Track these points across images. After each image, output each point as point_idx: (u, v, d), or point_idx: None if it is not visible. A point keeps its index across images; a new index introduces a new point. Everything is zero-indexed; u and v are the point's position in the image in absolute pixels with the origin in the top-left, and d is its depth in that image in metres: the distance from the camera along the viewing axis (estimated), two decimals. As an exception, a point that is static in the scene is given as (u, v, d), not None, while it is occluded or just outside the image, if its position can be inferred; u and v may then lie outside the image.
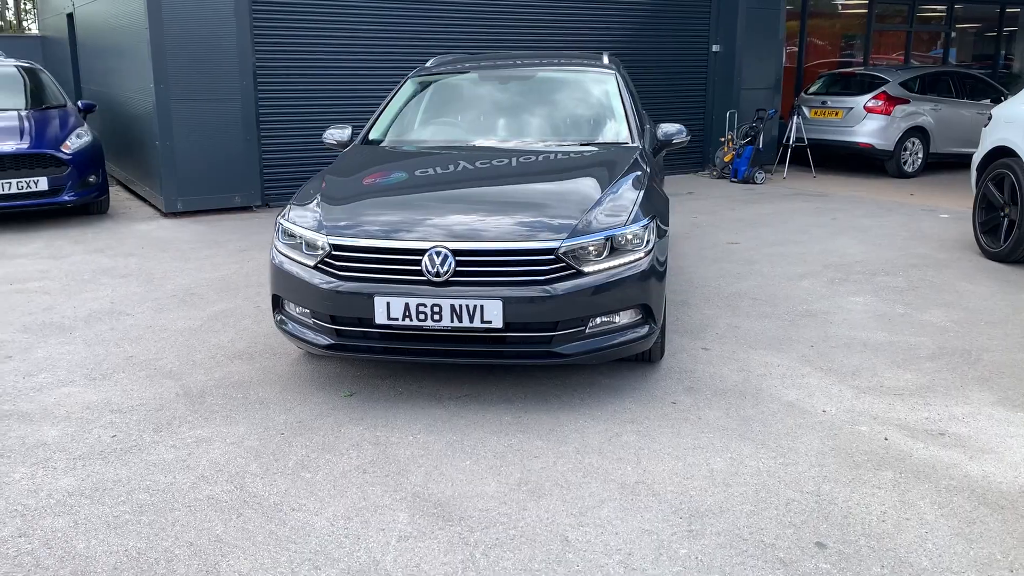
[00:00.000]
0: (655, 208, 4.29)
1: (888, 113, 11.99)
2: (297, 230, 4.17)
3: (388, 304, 3.87)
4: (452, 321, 3.84)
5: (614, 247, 3.98)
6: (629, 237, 4.01)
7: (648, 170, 4.73)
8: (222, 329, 5.27)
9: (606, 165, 4.64)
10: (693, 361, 4.65)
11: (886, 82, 12.24)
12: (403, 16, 9.90)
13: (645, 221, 4.11)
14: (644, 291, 4.04)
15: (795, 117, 12.12)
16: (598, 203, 4.13)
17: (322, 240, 4.04)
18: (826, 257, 7.06)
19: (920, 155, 12.31)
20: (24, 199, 8.14)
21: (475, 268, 3.85)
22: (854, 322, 5.31)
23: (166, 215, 9.04)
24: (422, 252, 3.88)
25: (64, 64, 14.30)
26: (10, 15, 27.65)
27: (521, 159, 4.81)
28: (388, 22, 9.82)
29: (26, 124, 8.50)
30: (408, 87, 5.73)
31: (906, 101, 12.11)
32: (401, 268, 3.91)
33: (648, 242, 4.07)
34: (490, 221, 4.00)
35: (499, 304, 3.80)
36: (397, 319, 3.88)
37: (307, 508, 3.17)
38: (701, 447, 3.64)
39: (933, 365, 4.58)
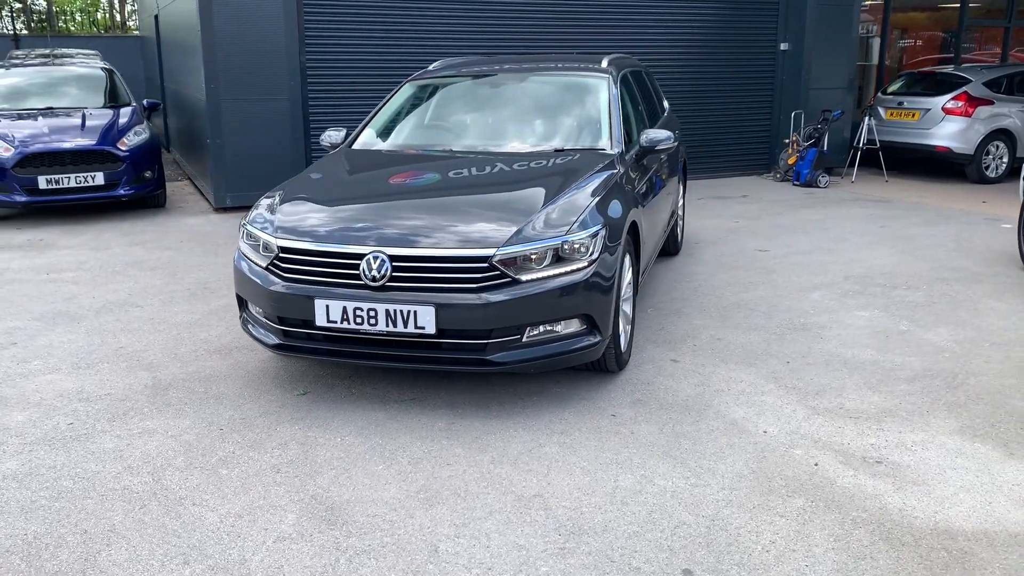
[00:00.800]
0: (613, 217, 4.22)
1: (968, 115, 11.35)
2: (255, 231, 4.30)
3: (328, 307, 3.95)
4: (387, 326, 3.89)
5: (560, 256, 3.94)
6: (576, 246, 3.97)
7: (621, 178, 4.66)
8: (216, 324, 5.47)
9: (567, 173, 4.60)
10: (656, 373, 4.55)
11: (968, 82, 11.59)
12: (453, 15, 9.99)
13: (594, 229, 4.06)
14: (586, 301, 3.99)
15: (867, 119, 11.61)
16: (543, 211, 4.10)
17: (273, 242, 4.16)
18: (851, 268, 6.77)
19: (1005, 159, 11.61)
20: (81, 192, 8.64)
21: (410, 274, 3.89)
22: (845, 338, 5.09)
23: (216, 210, 9.42)
24: (361, 257, 3.94)
25: (154, 63, 15.06)
26: (116, 15, 29.20)
27: (484, 165, 4.81)
28: (437, 20, 9.93)
29: (88, 122, 9.00)
30: (404, 90, 5.81)
31: (990, 102, 11.44)
32: (341, 272, 3.99)
33: (593, 251, 4.02)
34: (431, 228, 4.02)
35: (432, 310, 3.82)
36: (336, 322, 3.96)
37: (207, 504, 3.28)
38: (618, 462, 3.57)
39: (908, 388, 4.35)
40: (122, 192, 8.84)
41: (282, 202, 4.44)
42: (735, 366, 4.65)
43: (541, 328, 3.98)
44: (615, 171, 4.71)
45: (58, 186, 8.53)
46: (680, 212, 7.40)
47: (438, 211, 4.18)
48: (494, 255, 3.86)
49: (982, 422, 3.95)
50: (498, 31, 10.26)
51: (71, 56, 11.59)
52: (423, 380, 4.46)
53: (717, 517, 3.15)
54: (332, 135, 5.63)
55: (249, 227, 4.36)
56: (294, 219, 4.24)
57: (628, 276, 4.62)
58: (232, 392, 4.38)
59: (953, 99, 11.45)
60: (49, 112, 9.23)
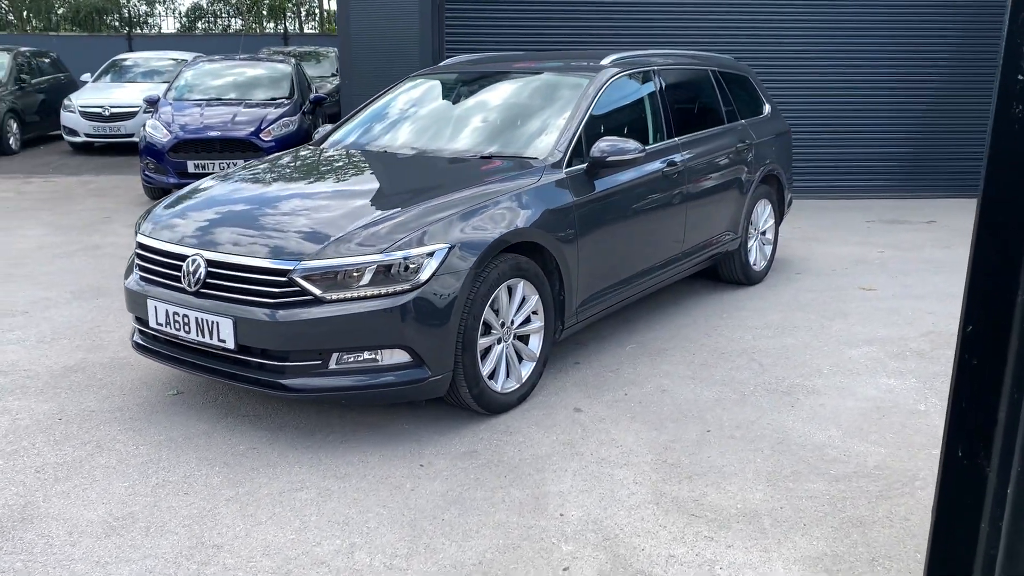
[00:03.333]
0: (480, 235, 3.66)
1: None
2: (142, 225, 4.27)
3: (156, 308, 3.82)
4: (198, 335, 3.67)
5: (389, 274, 3.48)
6: (405, 265, 3.48)
7: (536, 192, 4.04)
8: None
9: (456, 181, 4.07)
10: (530, 421, 3.89)
11: None
12: (597, 12, 9.43)
13: (431, 248, 3.53)
14: (405, 330, 3.49)
15: None
16: (371, 223, 3.64)
17: (136, 238, 4.10)
18: (947, 323, 5.37)
19: None
20: (221, 179, 9.29)
21: (219, 282, 3.64)
22: (824, 413, 4.01)
23: (346, 202, 9.69)
24: (184, 259, 3.75)
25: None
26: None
27: (383, 170, 4.45)
28: (579, 19, 9.43)
29: (243, 114, 9.66)
30: (393, 89, 5.49)
31: None
32: (169, 273, 3.83)
33: (422, 273, 3.49)
34: (254, 234, 3.73)
35: (231, 324, 3.55)
36: (162, 325, 3.81)
37: (-62, 493, 3.28)
38: (345, 523, 3.06)
39: (818, 488, 3.31)
40: (258, 180, 9.37)
41: (174, 200, 4.36)
42: (637, 427, 3.83)
43: (355, 356, 3.53)
44: (529, 182, 4.08)
45: (204, 171, 9.21)
46: (770, 236, 6.35)
47: (274, 217, 3.87)
48: (293, 269, 3.48)
49: (848, 555, 2.88)
50: (648, 25, 9.51)
51: (291, 54, 12.55)
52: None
53: (363, 613, 2.56)
54: (322, 130, 5.50)
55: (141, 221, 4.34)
56: (161, 217, 4.14)
57: (529, 305, 3.99)
58: (117, 382, 4.39)
59: None
60: (215, 102, 10.03)
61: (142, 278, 3.96)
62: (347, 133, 5.18)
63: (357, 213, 3.76)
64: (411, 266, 3.51)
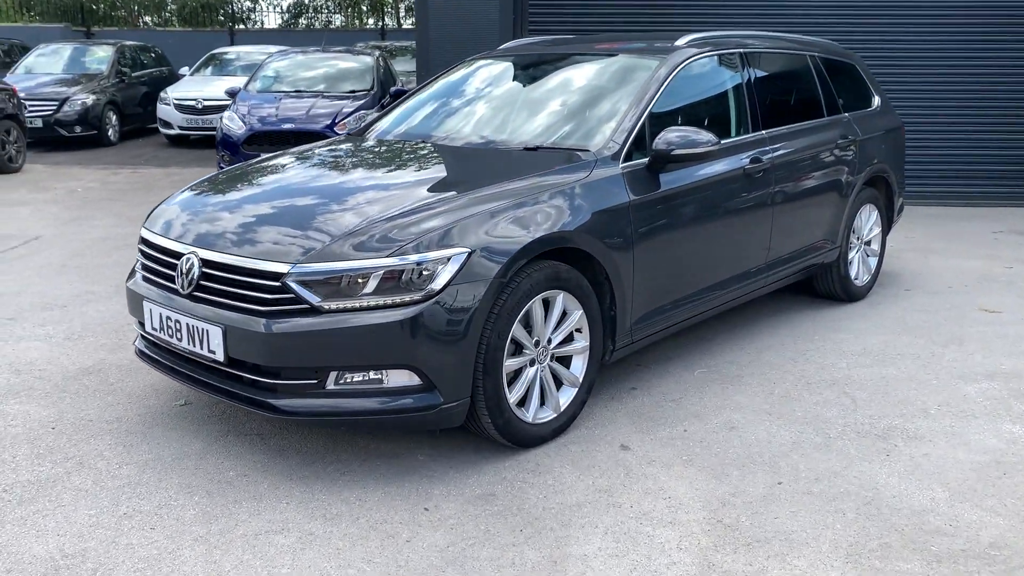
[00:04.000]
0: (509, 239, 3.13)
1: None
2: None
3: (151, 311, 3.42)
4: (190, 344, 3.25)
5: (399, 282, 2.97)
6: (417, 272, 2.96)
7: (583, 187, 3.47)
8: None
9: (480, 176, 3.52)
10: (567, 460, 3.30)
11: None
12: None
13: (446, 253, 3.01)
14: (412, 348, 2.98)
15: None
16: (380, 223, 3.13)
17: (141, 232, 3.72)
18: (1088, 355, 4.50)
19: None
20: (293, 172, 9.02)
21: (212, 284, 3.20)
22: (928, 466, 3.28)
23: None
24: (180, 256, 3.33)
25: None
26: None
27: (413, 164, 3.95)
28: (664, 12, 8.76)
29: (318, 107, 9.38)
30: (445, 75, 4.97)
31: None
32: (165, 272, 3.42)
33: (436, 281, 2.97)
34: (255, 231, 3.27)
35: (220, 333, 3.10)
36: (157, 330, 3.41)
37: None
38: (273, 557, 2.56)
39: (923, 570, 2.61)
40: (331, 174, 9.07)
41: (188, 190, 3.96)
42: (693, 474, 3.20)
43: (357, 376, 3.04)
44: (577, 177, 3.50)
45: (277, 164, 8.97)
46: (876, 246, 5.57)
47: (284, 213, 3.40)
48: (288, 272, 3.00)
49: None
50: (749, 7, 8.73)
51: (385, 48, 12.29)
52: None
53: None
54: (354, 120, 5.06)
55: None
56: (170, 207, 3.74)
57: (571, 321, 3.42)
58: (128, 389, 4.04)
59: None
60: (294, 95, 9.78)
61: (143, 277, 3.57)
62: (390, 121, 4.69)
63: (367, 210, 3.26)
64: (424, 272, 2.98)
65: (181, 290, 3.28)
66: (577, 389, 3.51)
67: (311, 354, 2.99)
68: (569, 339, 3.47)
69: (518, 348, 3.29)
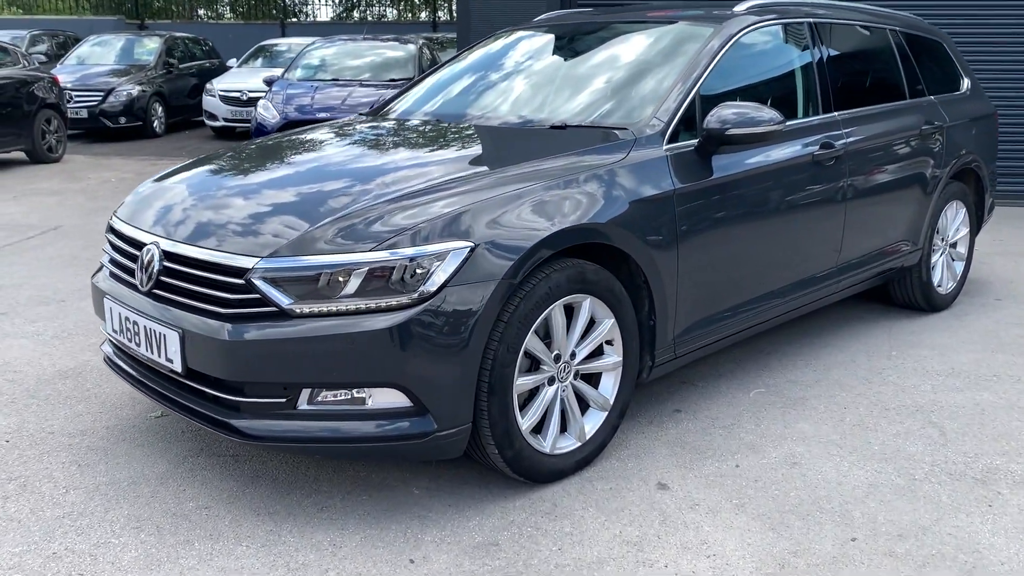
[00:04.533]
0: (525, 231, 2.58)
1: None
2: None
3: (111, 310, 2.95)
4: (147, 350, 2.77)
5: (387, 281, 2.44)
6: (404, 269, 2.43)
7: (615, 172, 2.90)
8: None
9: (495, 158, 2.98)
10: (591, 501, 2.74)
11: None
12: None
13: (442, 247, 2.48)
14: (399, 362, 2.44)
15: None
16: (365, 211, 2.60)
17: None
18: None
19: None
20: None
21: (173, 280, 2.71)
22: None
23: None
24: (143, 246, 2.85)
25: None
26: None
27: (421, 144, 3.44)
28: None
29: (355, 96, 8.95)
30: (474, 49, 4.41)
31: None
32: (128, 266, 2.94)
33: (431, 281, 2.43)
34: (227, 219, 2.77)
35: (177, 339, 2.60)
36: (116, 332, 2.94)
37: None
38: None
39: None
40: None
41: (172, 172, 3.47)
42: (745, 523, 2.60)
43: (335, 395, 2.51)
44: (611, 159, 2.93)
45: (311, 155, 8.56)
46: (963, 249, 4.89)
47: (268, 199, 2.88)
48: (252, 268, 2.49)
49: None
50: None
51: (434, 39, 11.87)
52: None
53: None
54: (388, 95, 4.54)
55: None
56: (146, 191, 3.27)
57: (600, 332, 2.86)
58: (101, 397, 3.58)
59: None
60: (331, 83, 9.37)
61: (110, 272, 3.10)
62: (410, 99, 4.17)
63: (358, 195, 2.73)
64: (419, 271, 2.45)
65: (140, 286, 2.80)
66: (607, 413, 2.94)
67: (279, 367, 2.48)
68: (598, 353, 2.91)
69: (534, 364, 2.73)
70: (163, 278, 2.72)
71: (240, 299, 2.51)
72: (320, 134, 3.76)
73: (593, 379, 2.93)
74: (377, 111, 4.20)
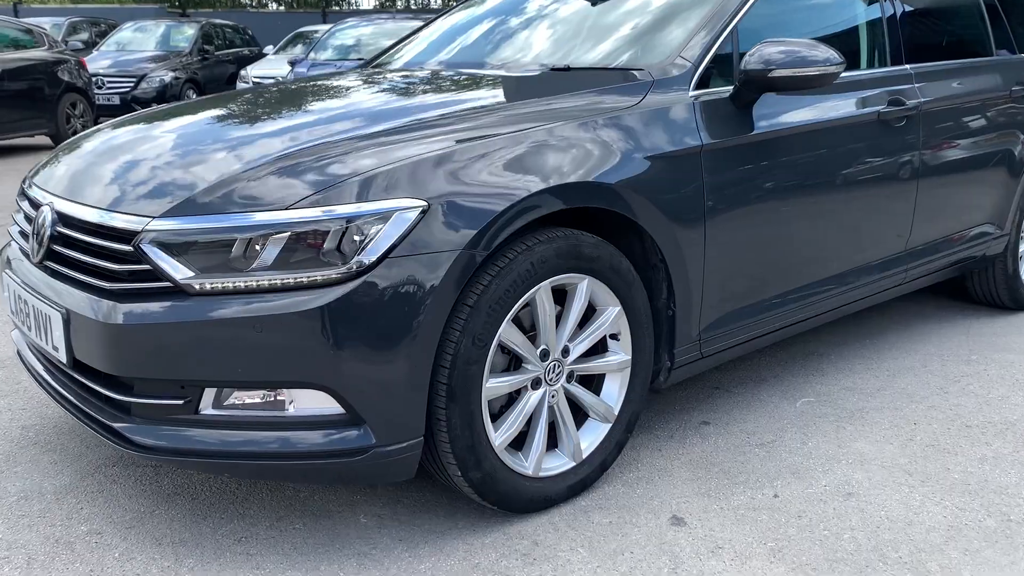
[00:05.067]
0: (505, 192, 1.99)
1: None
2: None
3: (9, 287, 2.43)
4: (36, 335, 2.24)
5: (314, 249, 1.87)
6: (335, 232, 1.85)
7: (610, 122, 2.29)
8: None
9: (473, 106, 2.39)
10: (583, 539, 2.12)
11: None
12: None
13: (385, 207, 1.89)
14: (328, 356, 1.87)
15: None
16: (286, 161, 2.03)
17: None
18: None
19: None
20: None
21: (63, 249, 2.17)
22: None
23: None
24: (39, 208, 2.32)
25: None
26: None
27: (403, 90, 2.86)
28: None
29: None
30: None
31: None
32: (26, 233, 2.42)
33: (369, 250, 1.85)
34: (135, 172, 2.22)
35: (60, 321, 2.06)
36: (13, 314, 2.42)
37: None
38: None
39: None
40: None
41: (101, 129, 2.94)
42: (781, 574, 1.96)
43: (246, 397, 1.95)
44: (621, 102, 2.32)
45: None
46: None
47: (189, 149, 2.31)
48: (140, 231, 1.93)
49: None
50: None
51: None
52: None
53: None
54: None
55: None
56: (64, 151, 2.73)
57: (603, 322, 2.26)
58: (30, 391, 3.07)
59: None
60: (356, 63, 8.88)
61: (13, 243, 2.58)
62: (409, 47, 3.62)
63: (290, 144, 2.15)
64: (356, 237, 1.86)
65: (31, 256, 2.27)
66: (610, 425, 2.32)
67: (173, 361, 1.91)
68: (599, 349, 2.29)
69: (514, 362, 2.13)
70: (54, 246, 2.18)
71: (128, 271, 1.95)
72: (296, 85, 3.21)
73: (593, 382, 2.32)
74: (372, 60, 3.65)
